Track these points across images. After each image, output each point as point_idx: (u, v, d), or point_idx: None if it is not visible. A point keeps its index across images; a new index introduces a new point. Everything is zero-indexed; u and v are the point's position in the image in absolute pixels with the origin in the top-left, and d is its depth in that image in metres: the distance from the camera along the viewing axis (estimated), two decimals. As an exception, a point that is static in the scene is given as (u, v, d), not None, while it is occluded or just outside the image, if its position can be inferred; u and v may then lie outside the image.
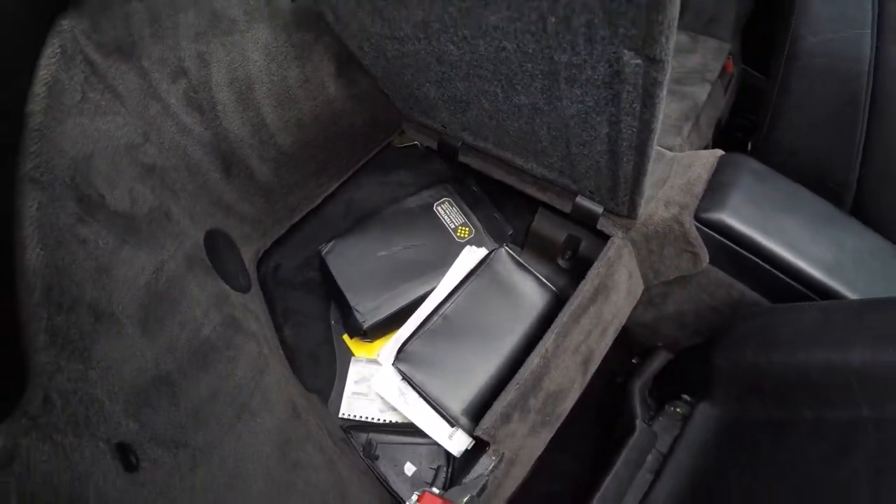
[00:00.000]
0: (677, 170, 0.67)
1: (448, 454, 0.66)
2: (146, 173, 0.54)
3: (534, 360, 0.59)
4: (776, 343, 0.56)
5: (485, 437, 0.57)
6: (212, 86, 0.60)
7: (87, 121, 0.48)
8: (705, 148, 0.72)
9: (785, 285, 0.62)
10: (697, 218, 0.63)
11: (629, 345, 0.80)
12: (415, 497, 0.56)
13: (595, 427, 0.79)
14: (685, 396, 0.66)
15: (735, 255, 0.63)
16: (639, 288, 0.70)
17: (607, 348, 0.68)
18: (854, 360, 0.48)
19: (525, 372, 0.58)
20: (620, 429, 0.72)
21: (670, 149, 0.71)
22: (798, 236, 0.63)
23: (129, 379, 0.37)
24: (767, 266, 0.62)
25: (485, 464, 0.58)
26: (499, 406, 0.57)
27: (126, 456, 0.32)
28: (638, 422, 0.68)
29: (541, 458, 0.68)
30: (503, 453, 0.58)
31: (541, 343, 0.60)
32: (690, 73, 0.83)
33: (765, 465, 0.53)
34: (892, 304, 0.52)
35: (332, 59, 0.70)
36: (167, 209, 0.56)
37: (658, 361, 0.72)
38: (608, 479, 0.65)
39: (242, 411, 0.50)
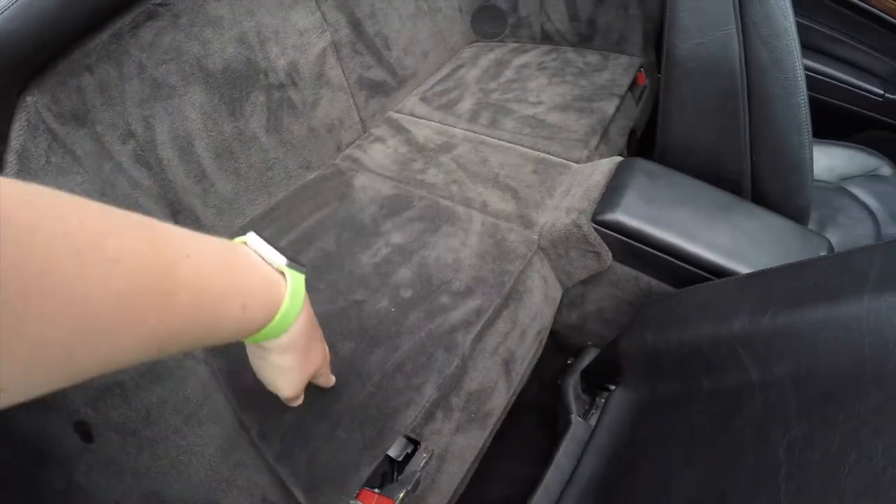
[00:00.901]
0: (580, 179, 0.82)
1: (392, 460, 0.79)
2: None
3: (452, 362, 0.71)
4: (671, 324, 0.66)
5: (412, 435, 0.69)
6: (156, 144, 0.75)
7: (52, 180, 0.62)
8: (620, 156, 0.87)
9: (686, 272, 0.73)
10: (595, 220, 0.75)
11: (563, 347, 0.93)
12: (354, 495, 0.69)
13: (542, 430, 0.91)
14: (609, 386, 0.79)
15: (635, 250, 0.75)
16: (557, 291, 0.82)
17: (533, 350, 0.80)
18: (736, 328, 0.56)
19: (445, 373, 0.71)
20: (560, 426, 0.84)
21: (577, 161, 0.87)
22: (692, 225, 0.73)
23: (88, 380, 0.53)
24: (666, 256, 0.73)
25: (417, 461, 0.71)
26: (423, 406, 0.70)
27: (84, 431, 0.47)
28: (573, 416, 0.80)
29: (494, 467, 0.80)
30: (433, 450, 0.71)
31: (458, 347, 0.72)
32: (599, 90, 0.96)
33: (670, 436, 0.61)
34: (770, 272, 0.60)
35: (261, 111, 0.86)
36: (122, 253, 0.73)
37: (586, 358, 0.83)
38: (549, 472, 0.76)
39: (190, 419, 0.64)
